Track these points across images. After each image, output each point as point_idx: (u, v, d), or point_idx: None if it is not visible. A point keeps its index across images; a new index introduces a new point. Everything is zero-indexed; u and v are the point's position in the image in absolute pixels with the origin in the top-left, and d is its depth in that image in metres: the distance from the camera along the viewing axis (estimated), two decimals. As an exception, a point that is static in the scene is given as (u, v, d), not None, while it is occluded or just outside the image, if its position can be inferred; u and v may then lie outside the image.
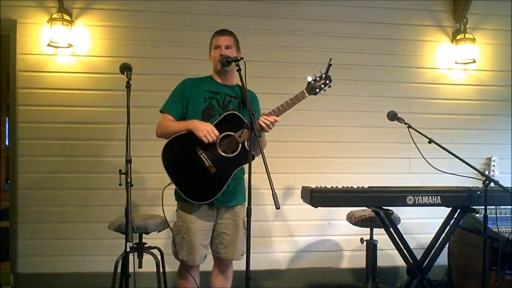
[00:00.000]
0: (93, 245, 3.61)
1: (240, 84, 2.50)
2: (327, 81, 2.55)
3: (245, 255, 2.27)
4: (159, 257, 2.88)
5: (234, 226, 2.65)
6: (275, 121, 2.47)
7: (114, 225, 2.81)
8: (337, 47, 3.88)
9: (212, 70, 2.71)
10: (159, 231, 2.90)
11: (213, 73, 2.70)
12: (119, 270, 2.69)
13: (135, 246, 2.80)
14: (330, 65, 2.52)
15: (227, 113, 2.54)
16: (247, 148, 2.42)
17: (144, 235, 2.87)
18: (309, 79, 2.55)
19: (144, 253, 2.83)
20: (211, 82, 2.67)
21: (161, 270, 2.88)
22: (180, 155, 2.51)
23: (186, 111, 2.63)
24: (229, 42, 2.60)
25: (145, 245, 2.88)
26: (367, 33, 3.95)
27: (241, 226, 2.65)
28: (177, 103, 2.63)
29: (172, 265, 3.24)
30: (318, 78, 2.54)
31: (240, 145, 2.50)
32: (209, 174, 2.49)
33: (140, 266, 2.72)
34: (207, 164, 2.48)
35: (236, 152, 2.50)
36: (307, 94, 2.54)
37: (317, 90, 2.54)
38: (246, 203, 2.23)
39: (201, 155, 2.48)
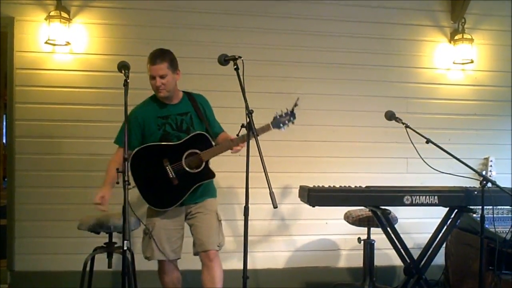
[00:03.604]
0: (91, 243, 3.59)
1: (186, 91, 2.74)
2: (291, 118, 2.70)
3: (223, 248, 2.47)
4: (129, 256, 2.84)
5: (203, 218, 2.72)
6: (242, 147, 2.59)
7: (88, 224, 2.78)
8: (334, 47, 3.88)
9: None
10: (132, 230, 2.88)
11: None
12: (103, 268, 2.74)
13: (104, 246, 2.83)
14: (296, 104, 2.67)
15: (195, 133, 2.68)
16: (209, 167, 2.67)
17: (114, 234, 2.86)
18: (275, 114, 2.69)
19: (114, 253, 2.83)
20: (159, 106, 2.74)
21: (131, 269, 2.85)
22: (148, 164, 2.67)
23: (144, 140, 2.72)
24: (162, 71, 2.60)
25: (115, 245, 2.86)
26: (365, 33, 3.95)
27: (213, 217, 2.73)
28: (131, 134, 2.64)
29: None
30: (284, 114, 2.69)
31: (204, 163, 2.65)
32: (171, 185, 2.64)
33: (109, 266, 2.77)
34: (171, 176, 2.63)
35: (200, 169, 2.65)
36: (271, 127, 2.68)
37: (281, 125, 2.69)
38: (216, 197, 2.40)
39: (167, 167, 2.63)
